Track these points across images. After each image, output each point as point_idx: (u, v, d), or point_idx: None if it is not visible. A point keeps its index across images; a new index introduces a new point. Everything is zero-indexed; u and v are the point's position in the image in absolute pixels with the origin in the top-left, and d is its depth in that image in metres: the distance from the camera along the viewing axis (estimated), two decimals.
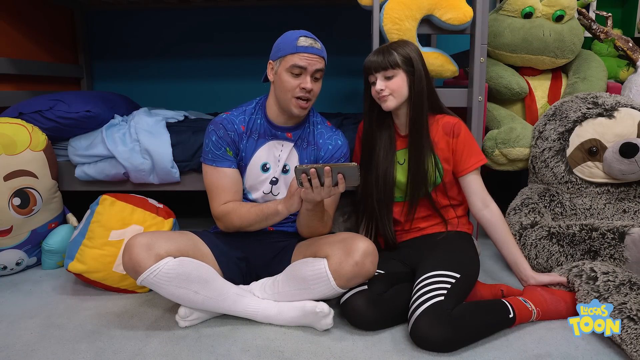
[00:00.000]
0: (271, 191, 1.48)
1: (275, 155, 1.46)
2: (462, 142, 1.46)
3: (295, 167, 1.21)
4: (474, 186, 1.47)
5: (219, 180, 1.43)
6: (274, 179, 1.47)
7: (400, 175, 1.50)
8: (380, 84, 1.41)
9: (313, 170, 1.20)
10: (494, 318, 1.27)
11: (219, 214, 1.43)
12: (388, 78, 1.40)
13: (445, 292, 1.23)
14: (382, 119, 1.50)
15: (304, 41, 1.35)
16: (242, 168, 1.47)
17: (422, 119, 1.43)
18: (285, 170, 1.47)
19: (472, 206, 1.49)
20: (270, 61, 1.42)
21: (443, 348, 1.18)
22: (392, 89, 1.40)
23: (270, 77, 1.43)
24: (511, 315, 1.28)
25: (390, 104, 1.42)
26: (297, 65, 1.34)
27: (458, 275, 1.29)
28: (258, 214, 1.37)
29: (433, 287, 1.25)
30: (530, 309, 1.32)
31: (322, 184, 1.22)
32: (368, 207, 1.52)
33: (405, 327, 1.31)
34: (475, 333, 1.23)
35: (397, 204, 1.53)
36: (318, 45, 1.38)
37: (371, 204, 1.51)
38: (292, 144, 1.47)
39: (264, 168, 1.46)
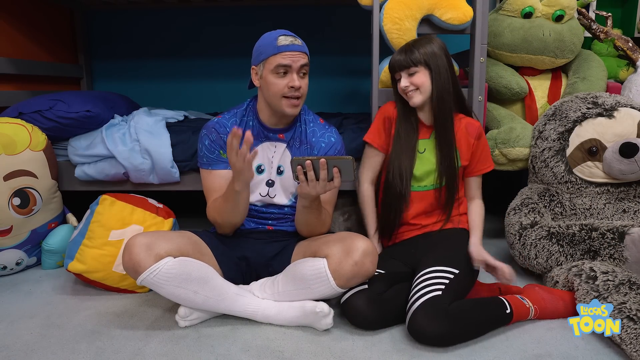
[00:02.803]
0: (268, 193, 1.47)
1: (269, 157, 1.46)
2: (482, 146, 1.55)
3: (292, 159, 1.22)
4: (474, 185, 1.58)
5: (214, 182, 1.44)
6: (269, 181, 1.47)
7: (419, 164, 1.52)
8: (404, 81, 1.46)
9: (308, 162, 1.19)
10: (491, 314, 1.27)
11: (208, 217, 1.44)
12: (411, 74, 1.45)
13: (443, 287, 1.25)
14: (408, 111, 1.54)
15: (284, 40, 1.34)
16: None
17: (446, 114, 1.47)
18: (280, 172, 1.47)
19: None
20: (253, 66, 1.40)
21: (440, 342, 1.19)
22: (416, 84, 1.45)
23: (256, 82, 1.41)
24: (508, 311, 1.28)
25: (416, 100, 1.47)
26: (281, 64, 1.33)
27: (457, 272, 1.30)
28: (226, 201, 1.36)
29: (431, 282, 1.26)
30: (528, 306, 1.33)
31: (317, 178, 1.22)
32: (387, 196, 1.53)
33: (406, 326, 1.31)
34: (471, 328, 1.23)
35: (416, 193, 1.53)
36: (298, 41, 1.37)
37: (390, 193, 1.52)
38: (285, 145, 1.47)
39: (259, 170, 1.46)
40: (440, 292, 1.23)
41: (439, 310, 1.19)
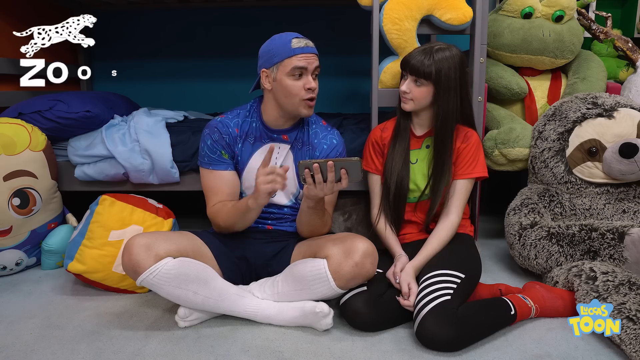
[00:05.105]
0: None
1: (273, 158, 1.46)
2: (469, 149, 1.48)
3: (299, 162, 1.22)
4: (457, 193, 1.47)
5: (214, 182, 1.44)
6: None
7: (412, 175, 1.50)
8: (407, 86, 1.43)
9: (316, 165, 1.19)
10: (497, 316, 1.28)
11: (209, 216, 1.44)
12: (417, 85, 1.41)
13: (451, 292, 1.24)
14: (404, 119, 1.51)
15: (298, 42, 1.34)
16: (239, 172, 1.46)
17: (447, 131, 1.43)
18: None
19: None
20: (264, 69, 1.38)
21: (449, 347, 1.19)
22: (415, 96, 1.42)
23: (267, 85, 1.39)
24: (512, 312, 1.29)
25: (408, 106, 1.45)
26: (298, 67, 1.33)
27: (463, 276, 1.30)
28: (235, 212, 1.37)
29: (439, 286, 1.25)
30: (530, 305, 1.33)
31: (324, 180, 1.22)
32: (385, 205, 1.51)
33: (405, 328, 1.31)
34: (479, 331, 1.23)
35: (410, 205, 1.53)
36: (311, 44, 1.38)
37: (387, 203, 1.51)
38: (289, 147, 1.47)
39: None
40: (449, 297, 1.22)
41: (448, 316, 1.18)
